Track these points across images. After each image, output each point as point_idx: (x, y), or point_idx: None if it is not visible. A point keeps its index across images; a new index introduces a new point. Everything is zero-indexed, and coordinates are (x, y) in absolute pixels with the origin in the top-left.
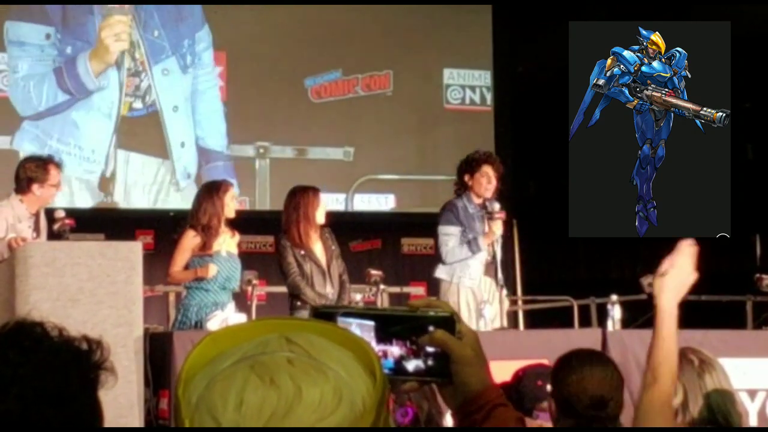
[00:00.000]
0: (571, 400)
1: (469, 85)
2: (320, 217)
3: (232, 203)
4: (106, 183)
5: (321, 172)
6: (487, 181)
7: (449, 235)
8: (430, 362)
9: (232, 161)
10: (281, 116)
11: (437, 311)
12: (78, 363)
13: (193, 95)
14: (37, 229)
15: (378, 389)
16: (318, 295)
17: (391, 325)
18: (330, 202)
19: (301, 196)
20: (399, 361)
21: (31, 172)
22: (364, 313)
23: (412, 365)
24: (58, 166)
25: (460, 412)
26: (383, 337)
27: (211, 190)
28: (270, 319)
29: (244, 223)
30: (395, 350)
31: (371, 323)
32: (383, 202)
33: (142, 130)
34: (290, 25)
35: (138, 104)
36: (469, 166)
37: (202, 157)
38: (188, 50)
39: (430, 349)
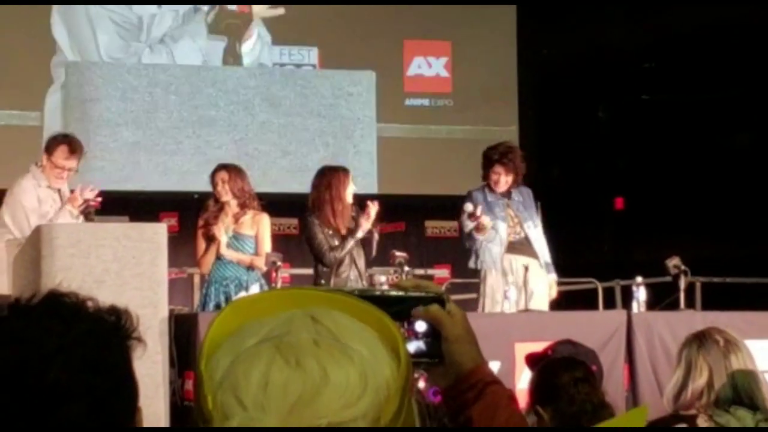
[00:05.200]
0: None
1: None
2: (350, 198)
3: (219, 187)
4: None
5: None
6: (497, 180)
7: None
8: (422, 343)
9: None
10: None
11: (426, 292)
12: (115, 332)
13: None
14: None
15: (402, 372)
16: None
17: (384, 307)
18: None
19: (332, 175)
20: None
21: (48, 142)
22: (358, 294)
23: (413, 347)
24: (73, 149)
25: (451, 392)
26: None
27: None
28: (292, 289)
29: (267, 205)
30: None
31: None
32: None
33: None
34: None
35: None
36: (486, 162)
37: None
38: None
39: (420, 330)
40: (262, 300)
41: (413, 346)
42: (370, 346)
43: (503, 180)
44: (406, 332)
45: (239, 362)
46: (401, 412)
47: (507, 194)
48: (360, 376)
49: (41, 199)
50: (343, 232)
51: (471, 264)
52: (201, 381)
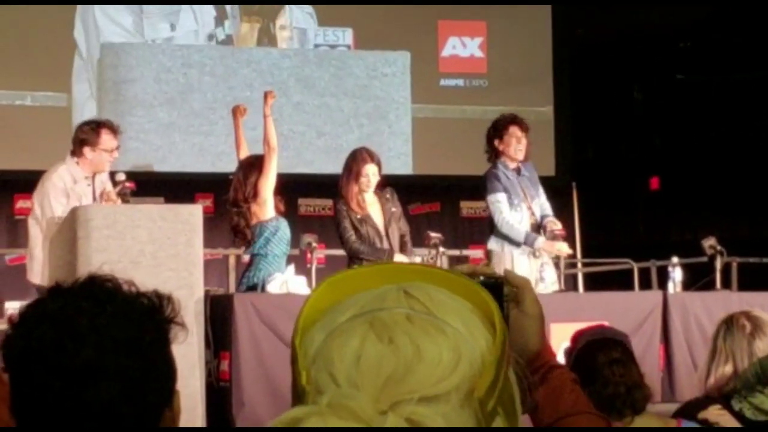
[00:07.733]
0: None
1: (528, 51)
2: (369, 176)
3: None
4: None
5: None
6: (516, 141)
7: (500, 202)
8: None
9: None
10: None
11: (485, 276)
12: (151, 315)
13: None
14: (95, 193)
15: (498, 343)
16: (375, 250)
17: None
18: None
19: (351, 157)
20: None
21: (83, 134)
22: None
23: None
24: (114, 131)
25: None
26: None
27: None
28: (388, 264)
29: (302, 186)
30: None
31: None
32: None
33: None
34: None
35: None
36: (496, 130)
37: None
38: None
39: None
40: (358, 276)
41: None
42: (464, 319)
43: (524, 143)
44: None
45: (333, 338)
46: (497, 383)
47: (517, 170)
48: (453, 350)
49: (73, 196)
50: (369, 211)
51: (493, 245)
52: (295, 357)
